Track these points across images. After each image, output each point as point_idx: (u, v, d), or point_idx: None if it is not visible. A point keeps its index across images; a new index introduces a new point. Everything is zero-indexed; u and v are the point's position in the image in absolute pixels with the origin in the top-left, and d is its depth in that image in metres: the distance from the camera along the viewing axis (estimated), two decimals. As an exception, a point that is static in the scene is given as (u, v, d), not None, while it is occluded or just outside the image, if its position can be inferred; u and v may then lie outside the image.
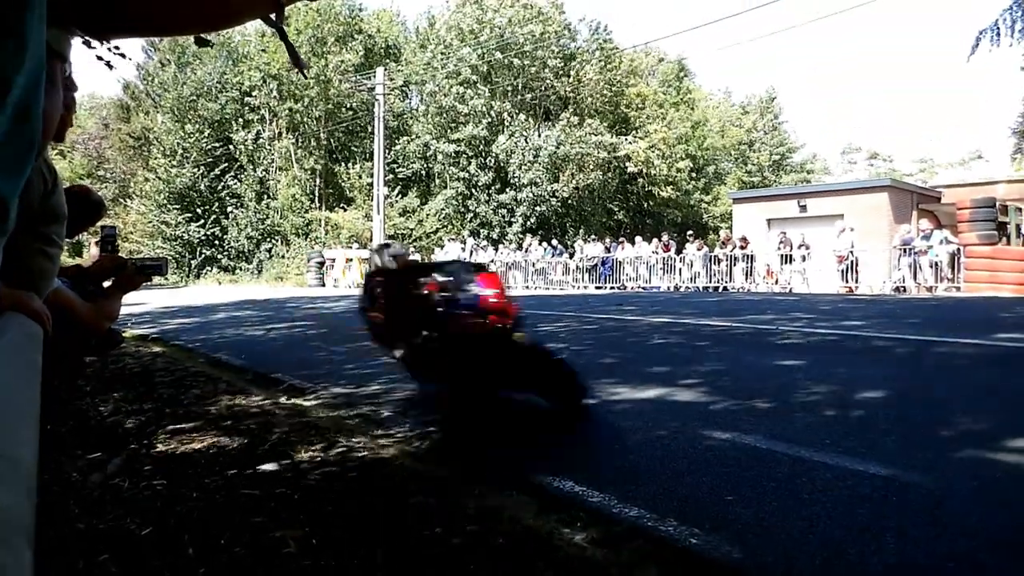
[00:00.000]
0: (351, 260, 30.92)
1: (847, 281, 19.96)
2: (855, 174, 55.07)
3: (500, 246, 31.93)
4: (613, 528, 2.49)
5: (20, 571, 0.34)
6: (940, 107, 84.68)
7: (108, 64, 7.75)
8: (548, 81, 39.70)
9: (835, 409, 4.15)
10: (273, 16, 1.01)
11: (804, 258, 21.34)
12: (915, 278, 18.93)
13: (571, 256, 27.54)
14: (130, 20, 0.89)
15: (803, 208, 24.92)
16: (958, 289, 17.79)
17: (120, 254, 3.67)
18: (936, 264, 18.42)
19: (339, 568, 2.23)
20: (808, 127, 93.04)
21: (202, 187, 40.05)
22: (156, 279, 2.71)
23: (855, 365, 5.82)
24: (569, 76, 40.02)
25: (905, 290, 18.86)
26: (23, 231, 1.25)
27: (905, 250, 19.24)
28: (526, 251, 29.15)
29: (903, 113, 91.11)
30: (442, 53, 38.93)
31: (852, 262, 20.03)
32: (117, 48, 7.86)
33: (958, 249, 18.14)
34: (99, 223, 4.02)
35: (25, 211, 1.30)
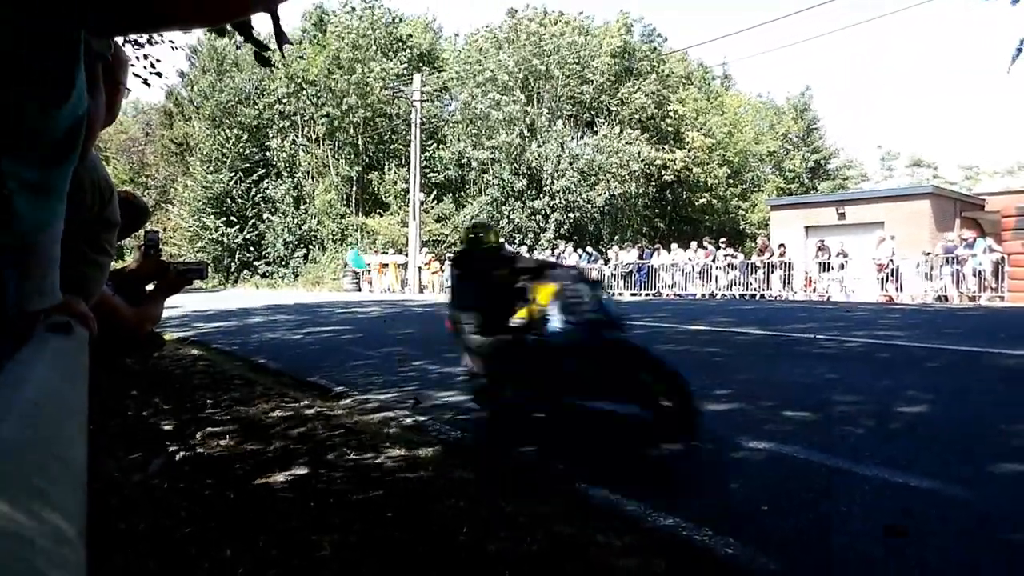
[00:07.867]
0: (387, 265, 31.16)
1: (886, 290, 19.62)
2: (895, 180, 54.13)
3: (534, 252, 31.82)
4: (648, 537, 2.48)
5: (75, 569, 0.35)
6: (988, 115, 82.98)
7: (145, 82, 8.00)
8: (588, 93, 39.58)
9: (874, 420, 4.08)
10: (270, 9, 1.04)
11: (843, 266, 21.01)
12: (958, 287, 18.55)
13: (606, 263, 27.36)
14: (131, 16, 0.90)
15: (842, 215, 24.54)
16: (1002, 299, 17.39)
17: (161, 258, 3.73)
18: (980, 273, 18.03)
19: (373, 571, 2.24)
20: (846, 133, 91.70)
21: (239, 192, 40.59)
22: (195, 283, 2.74)
23: (894, 375, 5.71)
24: (620, 91, 39.86)
25: (947, 299, 18.48)
26: (75, 238, 1.28)
27: (948, 258, 18.88)
28: (559, 257, 29.07)
29: (948, 120, 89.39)
30: (478, 61, 39.03)
31: (892, 270, 19.67)
32: (155, 67, 8.09)
33: (1002, 258, 17.75)
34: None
35: (80, 222, 1.34)
